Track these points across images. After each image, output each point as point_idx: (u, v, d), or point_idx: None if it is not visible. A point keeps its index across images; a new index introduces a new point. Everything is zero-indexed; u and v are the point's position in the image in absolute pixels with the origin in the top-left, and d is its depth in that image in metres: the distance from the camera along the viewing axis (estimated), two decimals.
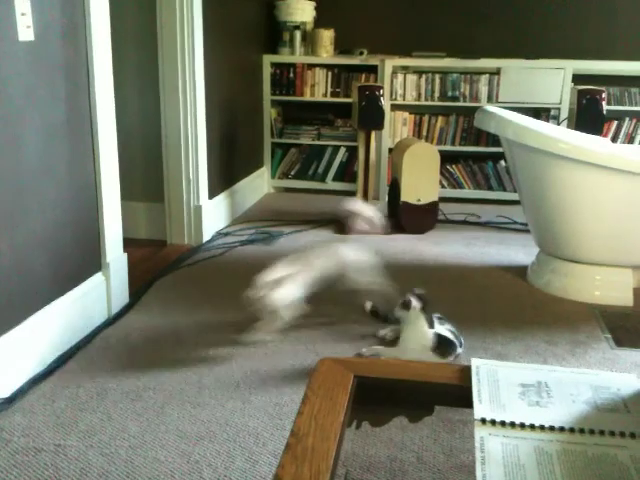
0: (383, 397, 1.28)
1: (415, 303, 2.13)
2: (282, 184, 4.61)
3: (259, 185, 4.43)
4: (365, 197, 3.64)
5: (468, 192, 4.36)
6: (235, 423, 1.80)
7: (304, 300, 2.23)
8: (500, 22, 4.33)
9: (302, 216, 3.94)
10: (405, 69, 4.31)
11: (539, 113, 4.19)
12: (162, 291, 2.73)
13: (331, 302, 2.64)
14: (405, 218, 3.62)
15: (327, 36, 4.31)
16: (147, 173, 3.42)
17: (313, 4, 4.38)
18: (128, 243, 2.67)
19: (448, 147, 4.31)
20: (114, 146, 2.46)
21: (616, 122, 4.24)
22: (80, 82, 2.25)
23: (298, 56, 4.37)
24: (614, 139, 4.22)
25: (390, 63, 4.23)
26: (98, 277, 2.42)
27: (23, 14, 1.91)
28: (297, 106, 4.51)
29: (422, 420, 1.33)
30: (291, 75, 4.40)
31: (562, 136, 2.57)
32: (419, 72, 4.28)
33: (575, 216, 2.64)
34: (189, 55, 3.19)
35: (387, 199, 3.90)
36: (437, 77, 4.26)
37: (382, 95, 3.48)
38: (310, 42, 4.37)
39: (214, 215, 3.55)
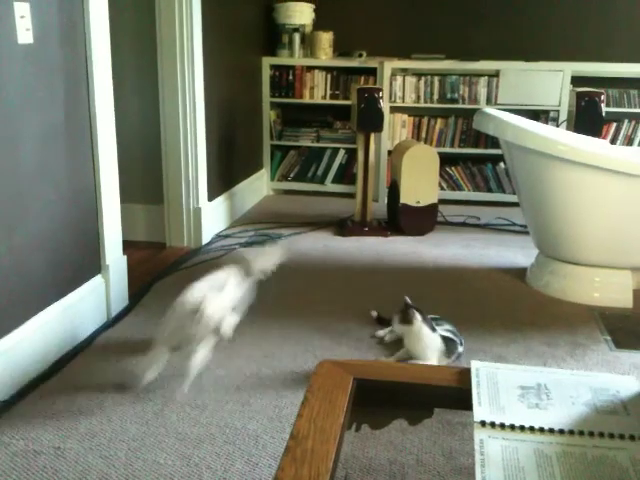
0: (383, 399, 1.28)
1: (418, 316, 2.11)
2: (281, 186, 4.61)
3: (258, 187, 4.44)
4: (365, 199, 3.64)
5: (467, 194, 4.36)
6: (235, 426, 1.80)
7: (239, 310, 2.07)
8: (499, 24, 4.34)
9: (301, 218, 3.94)
10: (404, 71, 4.31)
11: (538, 115, 4.19)
12: (161, 293, 2.73)
13: (327, 303, 2.64)
14: (404, 220, 3.62)
15: (326, 38, 4.31)
16: (146, 175, 3.42)
17: (312, 6, 4.39)
18: (127, 245, 2.67)
19: (447, 149, 4.32)
20: (113, 148, 2.46)
21: (615, 124, 4.24)
22: (79, 84, 2.25)
23: (297, 58, 4.38)
24: (613, 141, 4.23)
25: (389, 65, 4.23)
26: (97, 279, 2.42)
27: (22, 17, 1.91)
28: (296, 108, 4.52)
29: (422, 422, 1.33)
30: (290, 77, 4.40)
31: (561, 138, 2.57)
32: (418, 74, 4.29)
33: (574, 218, 2.64)
34: (188, 57, 3.19)
35: (386, 201, 3.90)
36: (436, 79, 4.26)
37: (381, 97, 3.48)
38: (309, 44, 4.38)
39: (213, 217, 3.55)
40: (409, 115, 4.36)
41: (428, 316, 2.17)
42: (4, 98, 1.88)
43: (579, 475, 0.96)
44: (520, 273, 3.02)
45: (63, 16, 2.13)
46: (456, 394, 1.23)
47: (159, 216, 3.42)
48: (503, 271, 3.08)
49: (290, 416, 1.84)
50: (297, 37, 4.35)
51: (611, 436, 1.05)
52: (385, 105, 3.90)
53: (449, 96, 4.27)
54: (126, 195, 2.74)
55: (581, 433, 1.06)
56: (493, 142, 4.20)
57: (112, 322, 2.45)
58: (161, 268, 3.05)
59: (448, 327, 2.21)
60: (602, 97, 3.33)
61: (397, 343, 2.26)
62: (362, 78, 4.33)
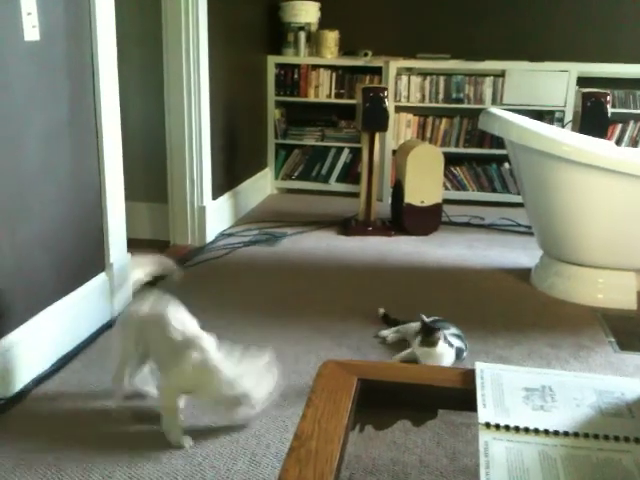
0: (386, 400, 1.27)
1: (442, 340, 2.05)
2: (285, 185, 4.61)
3: (262, 186, 4.44)
4: (369, 198, 3.64)
5: (472, 194, 4.35)
6: (238, 425, 1.80)
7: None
8: (505, 24, 4.33)
9: (305, 217, 3.94)
10: (409, 71, 4.30)
11: (543, 116, 4.18)
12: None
13: (330, 303, 2.64)
14: (408, 220, 3.61)
15: (331, 37, 4.31)
16: (151, 174, 3.42)
17: (318, 5, 4.38)
18: (132, 243, 2.66)
19: (452, 149, 4.31)
20: (118, 146, 2.46)
21: (620, 125, 4.23)
22: (85, 82, 2.25)
23: (302, 57, 4.37)
24: (618, 142, 4.21)
25: (394, 65, 4.23)
26: (102, 277, 2.42)
27: (29, 14, 1.92)
28: (301, 107, 4.51)
29: (425, 423, 1.33)
30: (295, 76, 4.40)
31: (566, 139, 2.57)
32: (423, 74, 4.28)
33: (579, 219, 2.63)
34: (194, 56, 3.19)
35: (390, 201, 3.90)
36: (441, 79, 4.25)
37: (386, 97, 3.48)
38: (314, 43, 4.37)
39: (217, 216, 3.55)
40: (414, 115, 4.36)
41: (438, 323, 2.16)
42: (10, 95, 1.88)
43: (584, 477, 0.96)
44: (524, 274, 3.01)
45: (70, 13, 2.13)
46: (460, 395, 1.23)
47: (163, 214, 3.42)
48: (507, 272, 3.08)
49: (293, 416, 1.84)
50: (302, 36, 4.34)
51: (616, 439, 1.05)
52: (390, 104, 3.89)
53: (454, 96, 4.26)
54: (131, 193, 2.74)
55: (586, 435, 1.06)
56: (498, 142, 4.19)
57: (116, 320, 2.45)
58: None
59: (454, 331, 2.19)
60: (608, 98, 3.32)
61: (399, 344, 2.26)
62: (367, 77, 4.32)
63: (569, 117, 4.05)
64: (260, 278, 2.92)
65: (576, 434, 1.06)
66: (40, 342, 2.05)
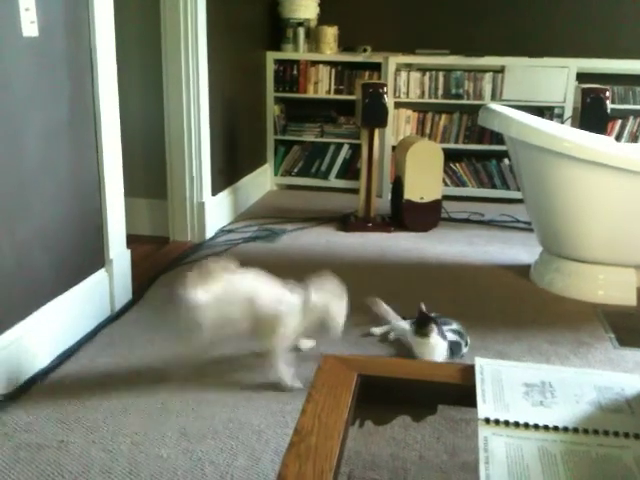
0: (386, 396, 1.28)
1: (435, 331, 2.06)
2: (285, 181, 4.61)
3: (262, 182, 4.43)
4: (368, 194, 3.64)
5: (471, 190, 4.35)
6: (238, 420, 1.80)
7: None
8: (504, 20, 4.32)
9: (304, 213, 3.93)
10: (409, 66, 4.30)
11: (543, 111, 4.18)
12: (165, 287, 2.73)
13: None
14: (408, 216, 3.61)
15: (331, 33, 4.30)
16: (150, 170, 3.42)
17: (317, 1, 4.37)
18: (131, 240, 2.66)
19: (451, 145, 4.30)
20: (117, 142, 2.46)
21: (620, 121, 4.23)
22: (84, 78, 2.25)
23: (302, 53, 4.37)
24: (618, 138, 4.21)
25: (394, 60, 4.22)
26: (101, 273, 2.42)
27: (27, 9, 1.91)
28: (300, 103, 4.51)
29: (425, 419, 1.34)
30: (294, 72, 4.39)
31: (566, 135, 2.57)
32: (423, 70, 4.27)
33: (579, 215, 2.63)
34: (193, 51, 3.19)
35: (390, 197, 3.89)
36: (441, 75, 4.25)
37: (385, 92, 3.47)
38: (314, 39, 4.37)
39: (217, 212, 3.55)
40: (413, 111, 4.35)
41: (439, 319, 2.16)
42: (8, 92, 1.87)
43: (583, 473, 0.96)
44: (524, 270, 3.01)
45: (68, 9, 2.13)
46: (460, 391, 1.23)
47: (163, 210, 3.42)
48: (506, 268, 3.08)
49: (293, 411, 1.84)
50: (302, 32, 4.33)
51: (616, 434, 1.05)
52: (389, 100, 3.88)
53: (454, 92, 4.26)
54: (130, 189, 2.73)
55: (585, 431, 1.06)
56: (498, 138, 4.18)
57: (115, 316, 2.45)
58: (165, 262, 3.05)
59: (455, 327, 2.19)
60: (607, 94, 3.32)
61: (400, 342, 2.26)
62: (366, 73, 4.32)
63: (569, 113, 4.04)
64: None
65: (576, 430, 1.06)
66: (40, 338, 2.05)
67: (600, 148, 2.49)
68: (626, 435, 1.05)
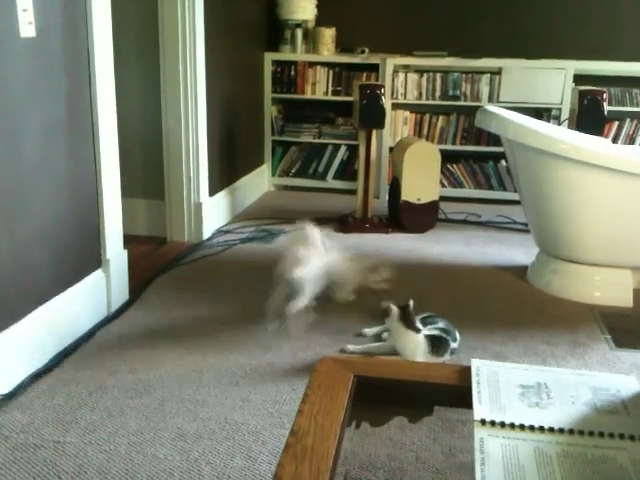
0: (383, 397, 1.28)
1: (394, 313, 2.11)
2: (282, 182, 4.61)
3: (259, 183, 4.43)
4: (366, 195, 3.64)
5: (468, 191, 4.35)
6: (234, 421, 1.80)
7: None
8: (502, 21, 4.33)
9: (302, 214, 3.93)
10: (406, 68, 4.30)
11: (540, 113, 4.19)
12: (162, 288, 2.73)
13: (327, 299, 2.64)
14: (405, 217, 3.62)
15: (328, 34, 4.30)
16: (148, 170, 3.42)
17: (315, 2, 4.37)
18: (128, 240, 2.67)
19: (449, 146, 4.31)
20: (115, 143, 2.46)
21: (617, 123, 4.24)
22: (81, 78, 2.25)
23: (299, 54, 4.37)
24: (615, 140, 4.22)
25: (391, 62, 4.22)
26: (98, 273, 2.42)
27: (25, 10, 1.91)
28: (298, 104, 4.51)
29: (421, 420, 1.33)
30: (292, 73, 4.39)
31: (563, 136, 2.57)
32: (420, 71, 4.28)
33: (575, 217, 2.64)
34: (190, 52, 3.19)
35: (387, 198, 3.90)
36: (438, 76, 4.25)
37: (383, 94, 3.48)
38: (311, 40, 4.37)
39: (214, 212, 3.55)
40: (411, 112, 4.36)
41: (422, 315, 2.17)
42: (6, 92, 1.87)
43: (579, 475, 0.97)
44: (521, 271, 3.01)
45: (66, 10, 2.13)
46: (456, 392, 1.23)
47: (160, 211, 3.42)
48: (503, 269, 3.08)
49: (290, 412, 1.84)
50: (299, 33, 4.33)
51: (611, 436, 1.05)
52: (387, 102, 3.89)
53: (451, 93, 4.26)
54: (127, 190, 2.74)
55: (581, 433, 1.06)
56: (495, 140, 4.19)
57: (112, 316, 2.45)
58: (162, 263, 3.05)
59: (441, 325, 2.19)
60: (604, 96, 3.33)
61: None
62: (364, 74, 4.32)
63: (566, 115, 4.05)
64: (257, 275, 2.92)
65: (571, 431, 1.06)
66: (37, 338, 2.05)
67: (597, 150, 2.50)
68: (621, 436, 1.05)
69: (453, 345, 2.16)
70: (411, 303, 2.14)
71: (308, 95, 4.42)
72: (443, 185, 4.28)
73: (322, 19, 4.41)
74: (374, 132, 3.58)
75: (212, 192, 3.54)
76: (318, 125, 4.48)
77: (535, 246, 2.96)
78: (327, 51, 4.32)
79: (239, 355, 2.18)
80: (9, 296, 1.95)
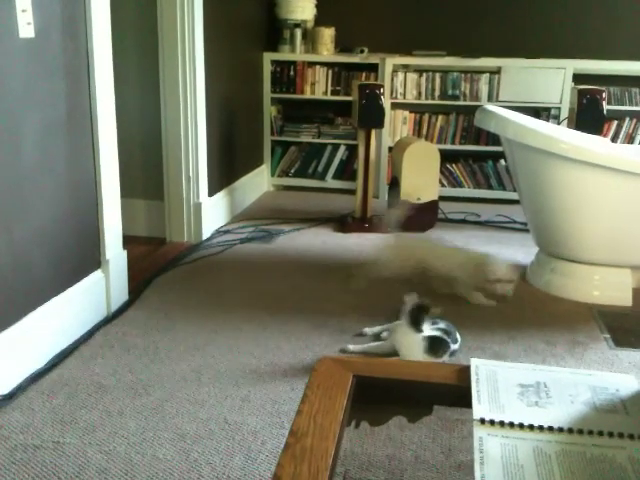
0: (382, 396, 1.28)
1: (407, 305, 2.11)
2: (282, 182, 4.61)
3: (259, 183, 4.43)
4: (365, 195, 3.64)
5: (468, 191, 4.36)
6: (234, 421, 1.80)
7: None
8: (501, 21, 4.33)
9: (301, 214, 3.94)
10: (405, 67, 4.30)
11: (539, 112, 4.19)
12: (161, 288, 2.73)
13: (327, 300, 2.64)
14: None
15: (328, 34, 4.31)
16: (147, 170, 3.42)
17: (314, 2, 4.37)
18: (128, 240, 2.67)
19: (448, 146, 4.31)
20: (114, 143, 2.46)
21: (616, 122, 4.24)
22: (80, 79, 2.25)
23: (298, 54, 4.37)
24: (614, 139, 4.22)
25: (391, 61, 4.22)
26: (97, 274, 2.42)
27: (24, 11, 1.91)
28: (297, 104, 4.51)
29: (421, 419, 1.33)
30: (291, 73, 4.39)
31: (562, 136, 2.57)
32: (419, 71, 4.28)
33: (574, 216, 2.64)
34: (189, 52, 3.19)
35: (387, 198, 3.90)
36: (437, 76, 4.25)
37: (382, 93, 3.48)
38: (310, 40, 4.37)
39: (214, 213, 3.55)
40: (410, 112, 4.36)
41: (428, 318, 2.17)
42: (5, 92, 1.87)
43: (578, 474, 0.97)
44: (520, 271, 3.01)
45: (65, 10, 2.13)
46: (455, 391, 1.23)
47: (159, 211, 3.42)
48: None
49: (289, 412, 1.84)
50: (298, 33, 4.33)
51: (610, 435, 1.05)
52: (386, 101, 3.89)
53: (450, 93, 4.26)
54: (127, 190, 2.74)
55: (580, 432, 1.06)
56: (494, 139, 4.20)
57: (112, 317, 2.45)
58: (161, 263, 3.05)
59: (442, 326, 2.19)
60: (603, 95, 3.33)
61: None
62: (363, 74, 4.32)
63: (565, 114, 4.06)
64: (256, 275, 2.92)
65: (570, 430, 1.06)
66: (36, 339, 2.05)
67: (596, 149, 2.50)
68: (621, 435, 1.05)
69: (453, 347, 2.15)
70: (433, 309, 2.14)
71: (307, 95, 4.42)
72: (442, 185, 4.29)
73: (321, 19, 4.41)
74: (373, 132, 3.58)
75: (211, 192, 3.54)
76: (317, 125, 4.48)
77: (534, 245, 2.96)
78: (326, 51, 4.32)
79: (239, 355, 2.18)
80: (9, 296, 1.95)
